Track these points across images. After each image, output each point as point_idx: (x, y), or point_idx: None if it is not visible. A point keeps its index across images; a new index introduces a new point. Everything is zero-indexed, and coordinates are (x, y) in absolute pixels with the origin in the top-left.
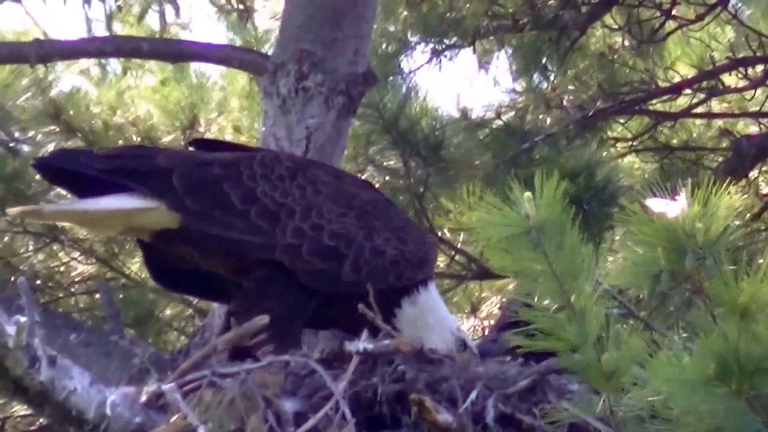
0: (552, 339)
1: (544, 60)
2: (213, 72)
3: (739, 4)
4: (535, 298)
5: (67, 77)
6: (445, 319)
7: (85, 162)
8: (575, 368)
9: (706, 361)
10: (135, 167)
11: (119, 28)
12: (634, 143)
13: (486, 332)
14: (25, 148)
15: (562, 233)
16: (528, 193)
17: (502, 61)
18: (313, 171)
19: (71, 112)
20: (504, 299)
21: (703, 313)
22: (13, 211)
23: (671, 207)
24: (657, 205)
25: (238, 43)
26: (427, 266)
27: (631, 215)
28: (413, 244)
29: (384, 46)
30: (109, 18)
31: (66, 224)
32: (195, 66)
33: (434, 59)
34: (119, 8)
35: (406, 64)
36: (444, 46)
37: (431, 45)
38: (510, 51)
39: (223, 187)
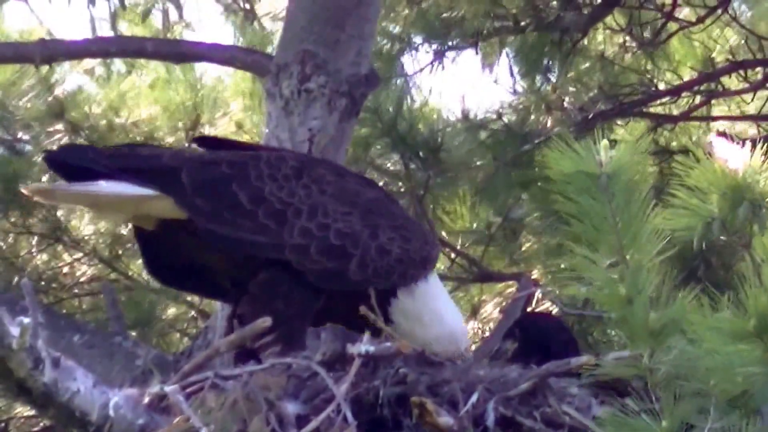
0: (602, 292)
1: (545, 62)
2: (217, 72)
3: (742, 6)
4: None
5: (72, 77)
6: (443, 319)
7: (93, 158)
8: (621, 323)
9: (746, 316)
10: (143, 165)
11: (124, 27)
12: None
13: (486, 335)
14: (28, 147)
15: (633, 187)
16: (605, 141)
17: (503, 63)
18: (316, 170)
19: (75, 112)
20: (504, 303)
21: (749, 268)
22: (27, 188)
23: (735, 156)
24: (722, 147)
25: (243, 43)
26: (430, 264)
27: (694, 161)
28: (417, 243)
29: (385, 47)
30: (114, 17)
31: (69, 224)
32: (199, 66)
33: (436, 61)
34: (123, 7)
35: (407, 65)
36: (445, 47)
37: (433, 46)
38: (511, 52)
39: (232, 186)
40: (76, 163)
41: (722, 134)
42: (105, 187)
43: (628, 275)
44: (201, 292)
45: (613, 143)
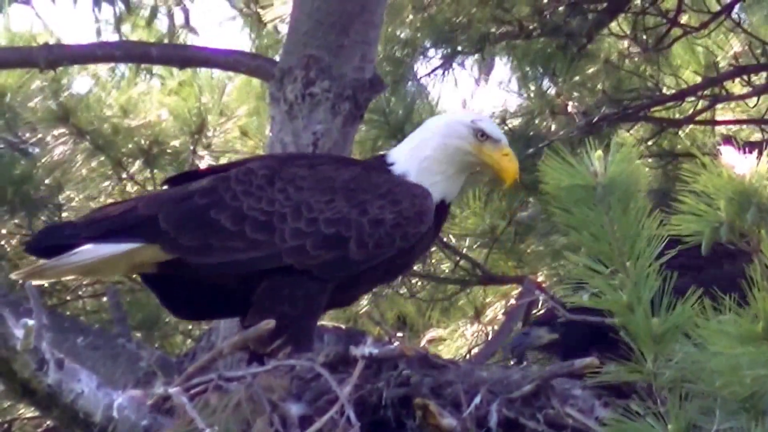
0: (603, 299)
1: (551, 66)
2: (223, 76)
3: (743, 13)
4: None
5: (78, 81)
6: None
7: (70, 234)
8: (624, 328)
9: (755, 318)
10: (121, 225)
11: (128, 31)
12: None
13: (489, 338)
14: (34, 150)
15: (629, 196)
16: (599, 151)
17: (508, 67)
18: (287, 170)
19: (81, 115)
20: (508, 305)
21: (758, 270)
22: (17, 275)
23: (743, 162)
24: (731, 155)
25: (258, 46)
26: (426, 215)
27: (701, 166)
28: (407, 201)
29: (392, 51)
30: (118, 21)
31: None
32: (205, 70)
33: (443, 65)
34: (128, 11)
35: (414, 69)
36: (451, 52)
37: (440, 51)
38: (516, 57)
39: (211, 215)
40: (56, 243)
41: (728, 139)
42: (92, 251)
43: (628, 283)
44: (224, 314)
45: (608, 150)
